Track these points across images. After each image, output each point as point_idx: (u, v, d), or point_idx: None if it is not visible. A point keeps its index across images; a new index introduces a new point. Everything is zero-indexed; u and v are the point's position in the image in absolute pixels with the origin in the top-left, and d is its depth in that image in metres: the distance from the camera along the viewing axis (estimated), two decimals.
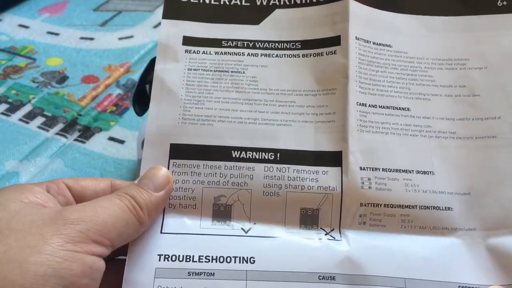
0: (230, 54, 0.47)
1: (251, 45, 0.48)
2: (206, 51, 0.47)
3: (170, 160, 0.43)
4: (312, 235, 0.41)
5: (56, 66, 0.82)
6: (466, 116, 0.45)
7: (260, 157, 0.43)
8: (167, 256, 0.39)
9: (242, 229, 0.42)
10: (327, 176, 0.42)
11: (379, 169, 0.42)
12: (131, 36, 0.90)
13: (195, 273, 0.39)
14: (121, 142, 0.70)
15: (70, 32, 0.91)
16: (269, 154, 0.43)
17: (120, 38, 0.89)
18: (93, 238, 0.34)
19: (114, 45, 0.88)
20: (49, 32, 0.91)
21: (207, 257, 0.39)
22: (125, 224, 0.37)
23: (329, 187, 0.42)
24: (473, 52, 0.47)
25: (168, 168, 0.42)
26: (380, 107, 0.45)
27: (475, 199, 0.42)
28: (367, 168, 0.42)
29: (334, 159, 0.43)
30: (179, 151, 0.43)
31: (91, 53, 0.86)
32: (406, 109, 0.45)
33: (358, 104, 0.44)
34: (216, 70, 0.47)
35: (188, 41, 0.48)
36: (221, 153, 0.43)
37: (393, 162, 0.43)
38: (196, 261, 0.39)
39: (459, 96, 0.46)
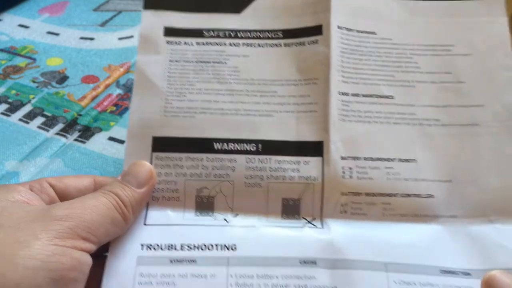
0: (212, 45, 0.48)
1: (232, 35, 0.49)
2: (188, 42, 0.48)
3: (153, 153, 0.44)
4: (294, 224, 0.43)
5: (56, 66, 0.82)
6: (450, 103, 0.46)
7: (242, 149, 0.44)
8: (149, 246, 0.41)
9: (225, 219, 0.43)
10: (308, 166, 0.43)
11: (360, 158, 0.44)
12: (131, 36, 0.90)
13: (177, 260, 0.40)
14: (121, 142, 0.70)
15: (70, 32, 0.91)
16: (251, 145, 0.44)
17: (120, 38, 0.90)
18: (81, 234, 0.36)
19: (114, 45, 0.88)
20: (49, 32, 0.91)
21: (189, 246, 0.41)
22: (112, 222, 0.38)
23: (311, 177, 0.43)
24: (459, 38, 0.48)
25: (151, 161, 0.44)
26: (363, 95, 0.46)
27: (456, 187, 0.43)
28: (348, 157, 0.44)
29: (315, 149, 0.44)
30: (161, 144, 0.44)
31: (91, 53, 0.86)
32: (390, 97, 0.46)
33: (340, 93, 0.45)
34: (198, 61, 0.48)
35: (169, 32, 0.49)
36: (203, 145, 0.44)
37: (375, 151, 0.44)
38: (178, 250, 0.41)
39: (444, 83, 0.47)
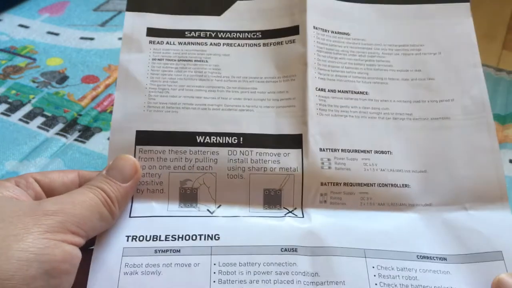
0: (193, 44, 0.52)
1: (213, 35, 0.52)
2: (170, 42, 0.52)
3: (137, 147, 0.46)
4: (275, 214, 0.45)
5: (56, 66, 0.84)
6: (421, 98, 0.49)
7: (224, 142, 0.47)
8: (135, 237, 0.43)
9: (208, 210, 0.45)
10: (288, 158, 0.46)
11: (338, 150, 0.47)
12: None
13: (162, 250, 0.42)
14: None
15: (70, 32, 0.93)
16: (233, 138, 0.47)
17: (120, 38, 0.89)
18: (71, 229, 0.38)
19: (114, 45, 0.90)
20: (49, 32, 0.93)
21: (173, 236, 0.43)
22: (100, 217, 0.41)
23: (291, 168, 0.46)
24: (428, 39, 0.52)
25: (135, 155, 0.46)
26: (339, 91, 0.49)
27: (431, 177, 0.46)
28: (326, 149, 0.47)
29: (295, 141, 0.47)
30: (145, 138, 0.47)
31: (91, 53, 0.88)
32: (365, 93, 0.49)
33: (317, 89, 0.49)
34: (180, 60, 0.51)
35: (152, 32, 0.52)
36: (186, 138, 0.47)
37: (352, 143, 0.47)
38: (163, 240, 0.43)
39: (415, 80, 0.50)
